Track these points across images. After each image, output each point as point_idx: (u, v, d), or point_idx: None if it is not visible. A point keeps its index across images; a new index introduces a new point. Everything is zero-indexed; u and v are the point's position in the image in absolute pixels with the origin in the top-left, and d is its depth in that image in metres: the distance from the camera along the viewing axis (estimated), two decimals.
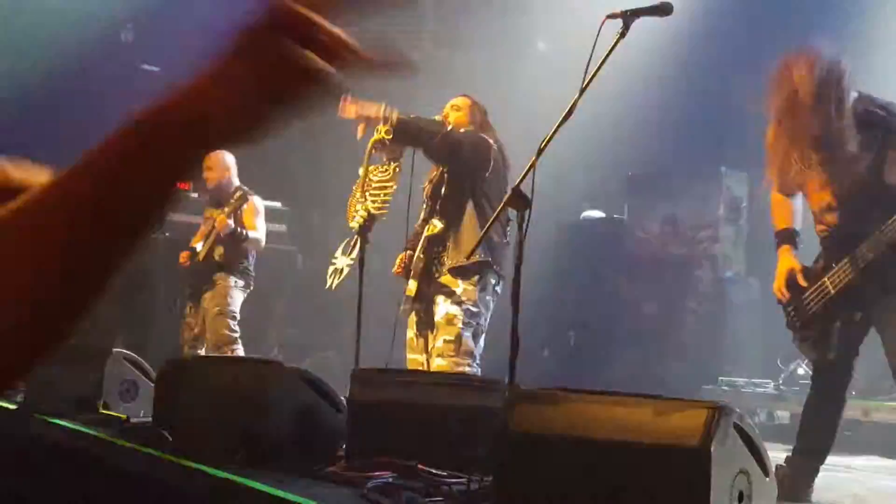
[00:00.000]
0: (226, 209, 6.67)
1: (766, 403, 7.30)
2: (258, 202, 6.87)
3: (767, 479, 2.53)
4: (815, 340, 3.98)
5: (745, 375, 7.59)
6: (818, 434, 4.05)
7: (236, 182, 6.91)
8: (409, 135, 4.96)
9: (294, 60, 0.77)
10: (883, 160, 3.82)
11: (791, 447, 4.09)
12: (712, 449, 2.28)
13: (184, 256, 6.85)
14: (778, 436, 5.96)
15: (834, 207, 3.90)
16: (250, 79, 0.77)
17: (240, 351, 6.67)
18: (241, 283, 6.80)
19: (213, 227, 6.77)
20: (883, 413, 6.26)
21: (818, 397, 4.07)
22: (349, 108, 4.83)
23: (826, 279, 3.89)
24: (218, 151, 6.87)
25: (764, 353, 7.64)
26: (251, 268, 6.86)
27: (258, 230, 6.79)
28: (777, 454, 3.55)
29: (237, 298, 6.77)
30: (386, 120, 4.84)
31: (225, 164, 6.88)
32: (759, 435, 2.51)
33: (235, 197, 6.76)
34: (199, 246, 6.86)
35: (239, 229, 6.63)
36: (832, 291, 3.87)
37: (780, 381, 7.27)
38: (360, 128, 4.90)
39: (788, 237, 4.13)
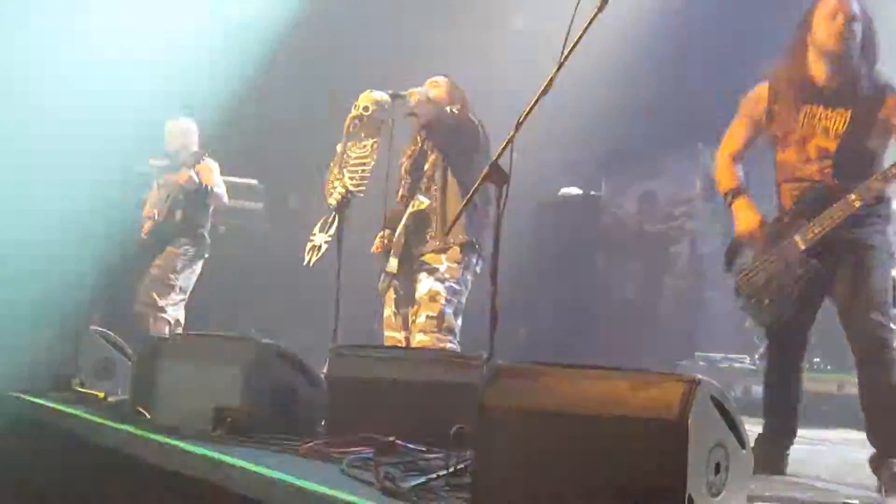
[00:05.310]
0: (183, 168, 6.62)
1: (742, 379, 7.34)
2: (213, 162, 6.81)
3: (744, 451, 2.55)
4: (777, 300, 3.94)
5: (722, 351, 7.65)
6: (782, 407, 4.07)
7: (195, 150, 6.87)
8: None
9: None
10: (872, 121, 3.81)
11: None
12: (689, 422, 2.28)
13: (146, 229, 6.82)
14: (754, 411, 5.98)
15: (814, 160, 3.87)
16: None
17: (162, 324, 6.59)
18: (191, 250, 6.74)
19: (169, 193, 6.73)
20: (857, 387, 6.31)
21: (776, 368, 4.09)
22: None
23: (797, 237, 3.86)
24: (182, 119, 6.87)
25: (740, 329, 7.66)
26: (207, 234, 6.83)
27: (220, 186, 6.78)
28: (753, 429, 3.58)
29: (184, 267, 6.71)
30: None
31: (187, 130, 6.85)
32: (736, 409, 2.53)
33: (189, 155, 6.70)
34: (155, 214, 6.82)
35: (203, 184, 6.58)
36: (802, 247, 3.84)
37: (757, 357, 7.32)
38: None
39: (741, 191, 4.11)
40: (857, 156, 3.82)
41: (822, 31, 3.84)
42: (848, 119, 3.82)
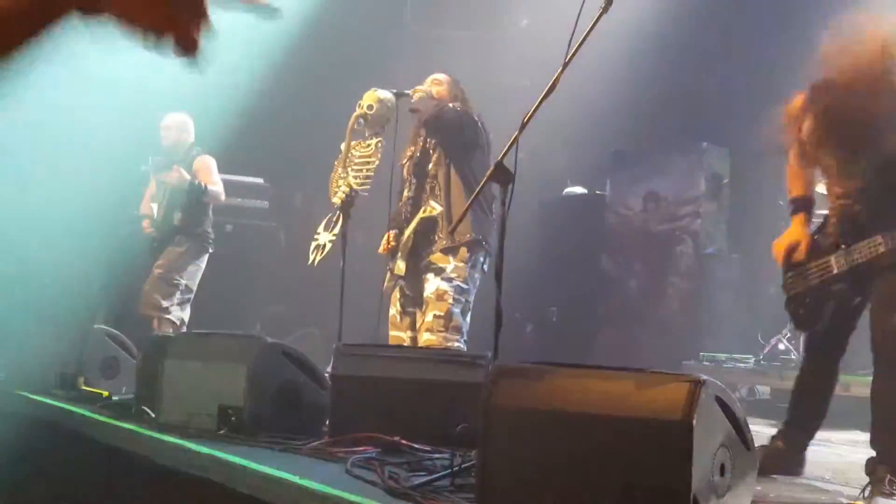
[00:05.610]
0: (176, 165, 6.52)
1: (746, 379, 7.34)
2: (209, 158, 6.72)
3: (749, 452, 2.54)
4: (808, 312, 3.98)
5: (726, 351, 7.62)
6: (809, 406, 4.07)
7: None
8: None
9: None
10: None
11: (772, 422, 4.12)
12: (694, 422, 2.28)
13: (146, 224, 6.77)
14: (759, 411, 6.00)
15: (855, 195, 3.82)
16: None
17: (167, 325, 6.52)
18: (194, 247, 6.66)
19: (165, 190, 6.64)
20: (863, 387, 6.25)
21: (810, 368, 4.10)
22: None
23: (832, 258, 3.86)
24: (178, 113, 6.81)
25: (745, 329, 7.67)
26: (210, 230, 6.77)
27: (217, 184, 6.66)
28: (758, 429, 3.57)
29: (187, 266, 6.64)
30: None
31: (184, 125, 6.77)
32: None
33: (185, 151, 6.64)
34: (153, 210, 6.75)
35: (196, 181, 6.48)
36: (835, 271, 3.85)
37: (761, 357, 7.31)
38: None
39: (805, 205, 4.06)
40: (889, 191, 3.74)
41: (833, 81, 3.75)
42: (872, 160, 3.74)
